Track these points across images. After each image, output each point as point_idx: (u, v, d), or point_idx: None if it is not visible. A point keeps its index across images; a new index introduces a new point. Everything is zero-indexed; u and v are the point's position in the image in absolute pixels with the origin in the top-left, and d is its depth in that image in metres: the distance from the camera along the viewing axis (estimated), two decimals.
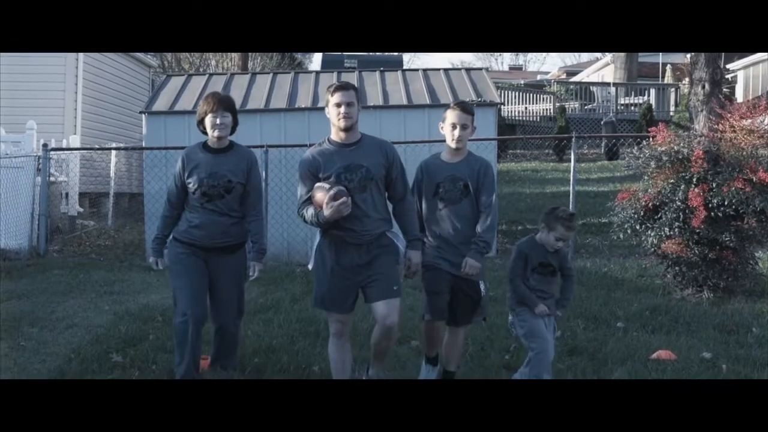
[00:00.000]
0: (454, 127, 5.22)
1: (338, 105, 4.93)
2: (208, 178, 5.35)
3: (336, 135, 5.04)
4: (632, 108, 26.77)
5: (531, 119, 27.30)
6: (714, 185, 8.19)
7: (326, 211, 4.74)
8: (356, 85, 5.33)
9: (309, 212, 4.90)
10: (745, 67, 28.19)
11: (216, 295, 5.53)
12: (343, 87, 4.99)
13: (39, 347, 6.68)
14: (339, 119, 4.94)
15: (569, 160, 12.65)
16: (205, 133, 5.49)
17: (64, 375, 5.89)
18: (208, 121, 5.38)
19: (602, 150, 22.95)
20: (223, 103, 5.41)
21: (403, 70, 13.99)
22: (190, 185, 5.39)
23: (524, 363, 5.54)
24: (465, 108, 5.29)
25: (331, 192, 4.72)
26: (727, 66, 27.40)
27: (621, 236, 8.98)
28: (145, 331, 7.11)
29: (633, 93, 27.75)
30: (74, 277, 9.92)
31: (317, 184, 4.87)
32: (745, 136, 8.55)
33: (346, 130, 4.98)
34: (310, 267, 5.19)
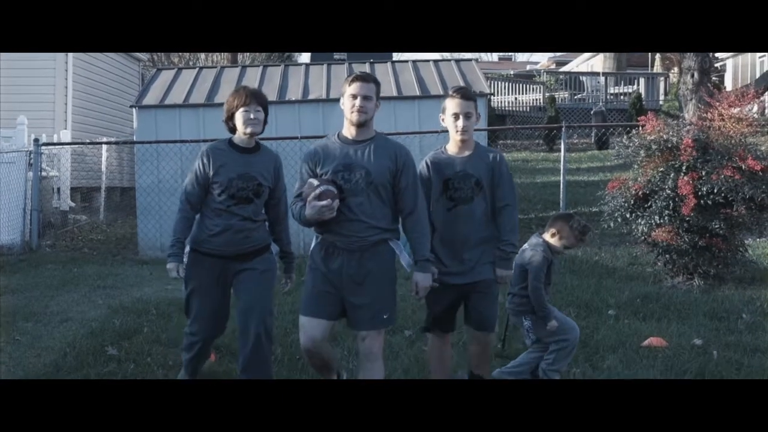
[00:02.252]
0: (456, 117, 4.76)
1: (354, 97, 4.49)
2: (238, 180, 4.83)
3: (347, 130, 4.59)
4: (622, 97, 26.80)
5: (521, 109, 27.31)
6: (703, 173, 8.25)
7: (307, 210, 4.40)
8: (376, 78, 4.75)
9: (296, 207, 4.56)
10: (734, 56, 28.29)
11: (244, 298, 4.92)
12: (362, 78, 4.54)
13: (34, 341, 6.69)
14: (352, 112, 4.49)
15: (559, 150, 12.69)
16: (231, 130, 4.97)
17: (60, 369, 5.90)
18: (239, 116, 4.86)
19: (592, 140, 23.00)
20: (256, 97, 4.91)
21: (393, 62, 14.01)
22: (216, 186, 4.84)
23: (522, 359, 5.57)
24: (466, 94, 4.82)
25: (317, 191, 4.38)
26: (716, 55, 27.50)
27: (611, 225, 9.05)
28: (140, 324, 7.13)
29: (622, 82, 27.78)
30: (68, 272, 9.95)
31: (309, 180, 4.51)
32: (734, 124, 8.60)
33: (359, 125, 4.51)
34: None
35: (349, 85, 4.50)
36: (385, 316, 4.53)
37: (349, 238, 4.48)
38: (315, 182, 4.44)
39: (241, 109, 4.85)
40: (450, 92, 4.88)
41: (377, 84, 4.59)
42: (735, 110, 8.81)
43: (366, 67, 13.33)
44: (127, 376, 5.76)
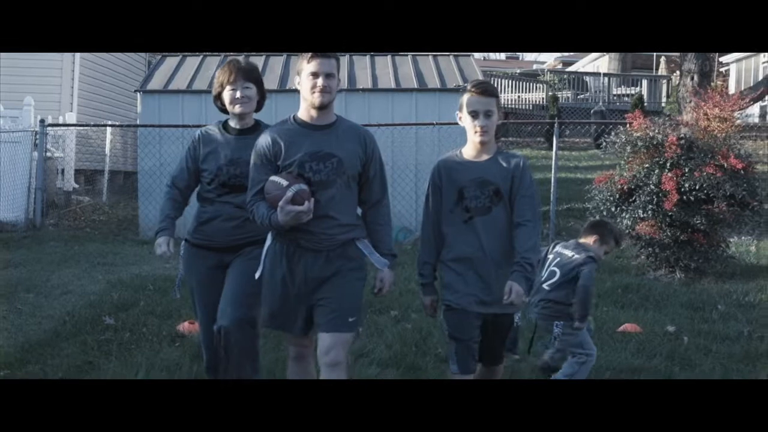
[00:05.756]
0: (475, 115, 4.04)
1: (314, 75, 3.88)
2: (228, 166, 4.26)
3: (305, 113, 3.99)
4: (625, 98, 26.98)
5: (524, 108, 27.49)
6: (687, 170, 8.51)
7: (280, 216, 3.75)
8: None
9: (260, 210, 3.90)
10: (738, 60, 28.45)
11: (224, 291, 4.27)
12: (322, 54, 3.92)
13: (35, 311, 6.98)
14: (314, 93, 3.89)
15: (560, 148, 12.95)
16: (223, 110, 4.44)
17: (59, 335, 6.19)
18: (226, 95, 4.31)
19: (592, 138, 23.20)
20: (243, 72, 4.31)
21: (393, 55, 14.25)
22: (206, 174, 4.32)
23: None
24: (486, 89, 4.09)
25: (289, 193, 3.75)
26: (721, 59, 27.68)
27: (597, 218, 9.25)
28: (137, 297, 7.42)
29: (625, 83, 27.98)
30: (69, 249, 10.24)
31: (272, 177, 3.87)
32: (718, 124, 8.86)
33: (321, 107, 3.93)
34: (256, 275, 4.07)
35: (308, 62, 3.91)
36: (350, 319, 3.93)
37: (316, 236, 3.91)
38: (284, 182, 3.81)
39: (228, 87, 4.31)
40: (468, 87, 4.14)
41: (338, 60, 4.00)
42: (727, 111, 9.03)
43: (366, 60, 13.58)
44: (123, 343, 6.03)
